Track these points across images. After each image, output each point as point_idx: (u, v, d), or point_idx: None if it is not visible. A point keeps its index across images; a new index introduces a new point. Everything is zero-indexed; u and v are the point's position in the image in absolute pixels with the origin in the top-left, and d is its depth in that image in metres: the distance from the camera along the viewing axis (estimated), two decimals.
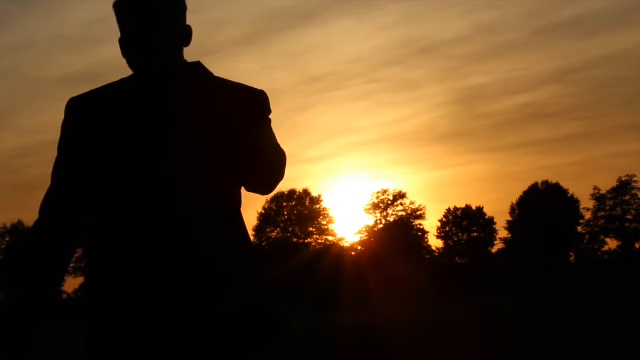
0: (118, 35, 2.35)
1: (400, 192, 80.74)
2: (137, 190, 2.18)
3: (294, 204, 79.34)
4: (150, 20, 2.27)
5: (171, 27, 2.30)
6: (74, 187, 2.22)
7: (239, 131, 2.25)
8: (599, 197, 77.14)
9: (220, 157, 2.22)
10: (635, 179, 76.19)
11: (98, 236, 2.20)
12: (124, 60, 2.32)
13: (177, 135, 2.20)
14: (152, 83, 2.26)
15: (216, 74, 2.35)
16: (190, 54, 2.39)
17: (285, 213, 79.05)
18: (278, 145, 2.37)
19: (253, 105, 2.35)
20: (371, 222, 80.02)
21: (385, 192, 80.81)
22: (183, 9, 2.34)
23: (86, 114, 2.26)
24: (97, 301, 2.16)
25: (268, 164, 2.29)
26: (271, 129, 2.40)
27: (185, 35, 2.35)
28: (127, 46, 2.31)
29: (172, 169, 2.18)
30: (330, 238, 79.04)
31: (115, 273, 2.15)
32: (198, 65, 2.32)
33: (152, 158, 2.19)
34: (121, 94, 2.26)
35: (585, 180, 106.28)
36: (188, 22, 2.34)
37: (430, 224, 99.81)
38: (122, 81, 2.31)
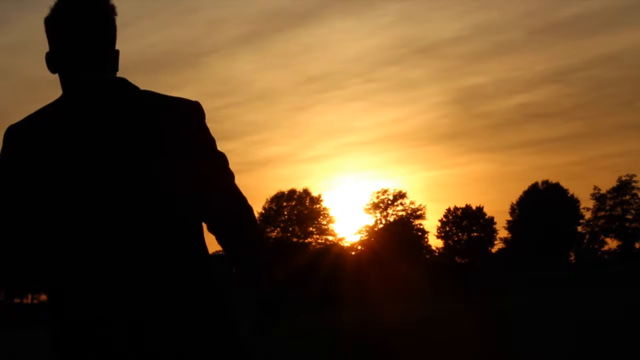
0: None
1: (400, 191, 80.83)
2: (81, 223, 2.08)
3: (294, 203, 79.36)
4: (87, 36, 2.20)
5: (105, 46, 2.23)
6: (14, 224, 2.12)
7: (187, 146, 2.17)
8: (599, 197, 77.18)
9: (168, 179, 2.13)
10: (635, 178, 76.29)
11: (46, 271, 2.12)
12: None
13: (121, 160, 2.11)
14: (87, 104, 2.17)
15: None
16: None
17: (285, 213, 79.06)
18: (236, 187, 2.26)
19: (194, 117, 2.24)
20: (371, 222, 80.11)
21: (385, 191, 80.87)
22: (115, 30, 2.26)
23: (23, 144, 2.15)
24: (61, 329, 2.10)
25: (223, 196, 2.21)
26: (222, 156, 2.28)
27: (116, 57, 2.27)
28: (59, 61, 2.24)
29: (118, 202, 2.09)
30: (330, 238, 79.10)
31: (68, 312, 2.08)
32: (127, 81, 2.24)
33: (95, 189, 2.09)
34: (58, 118, 2.17)
35: (585, 180, 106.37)
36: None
37: (430, 224, 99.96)
38: (57, 103, 2.21)
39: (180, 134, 2.18)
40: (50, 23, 2.25)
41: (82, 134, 2.13)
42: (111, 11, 2.24)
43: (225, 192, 2.22)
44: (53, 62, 2.27)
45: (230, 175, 2.26)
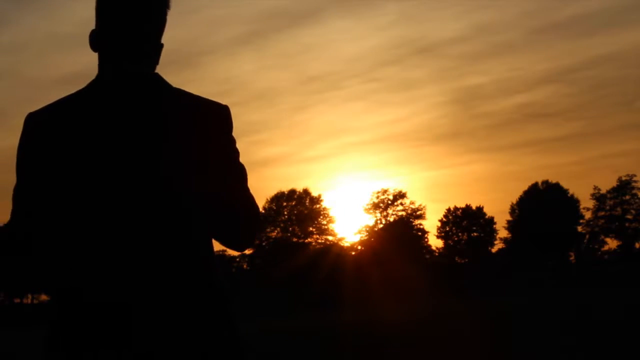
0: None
1: (400, 191, 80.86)
2: (103, 212, 2.07)
3: (294, 203, 79.38)
4: (138, 23, 2.18)
5: (153, 37, 2.21)
6: (37, 213, 2.11)
7: (207, 149, 2.14)
8: (599, 197, 77.21)
9: (180, 180, 2.11)
10: (635, 178, 76.31)
11: (64, 257, 2.11)
12: None
13: (147, 152, 2.10)
14: (123, 93, 2.15)
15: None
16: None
17: (285, 213, 79.08)
18: (249, 193, 2.21)
19: (220, 121, 2.21)
20: (371, 222, 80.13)
21: (385, 191, 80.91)
22: (165, 23, 2.25)
23: (48, 131, 2.12)
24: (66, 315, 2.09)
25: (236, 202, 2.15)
26: (242, 167, 2.24)
27: (159, 50, 2.25)
28: (103, 42, 2.19)
29: (139, 192, 2.08)
30: (330, 238, 79.12)
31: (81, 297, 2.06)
32: (160, 77, 2.22)
33: (120, 179, 2.08)
34: (82, 108, 2.14)
35: (585, 180, 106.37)
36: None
37: (430, 224, 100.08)
38: (86, 90, 2.18)
39: (202, 137, 2.15)
40: (104, 2, 2.21)
41: (106, 127, 2.11)
42: (165, 3, 2.23)
43: (234, 204, 2.16)
44: (97, 41, 2.22)
45: (243, 188, 2.20)
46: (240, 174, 2.21)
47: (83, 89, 2.19)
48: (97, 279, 2.07)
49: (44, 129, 2.13)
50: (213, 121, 2.19)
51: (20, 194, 2.15)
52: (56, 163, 2.10)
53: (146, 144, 2.11)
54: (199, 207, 2.15)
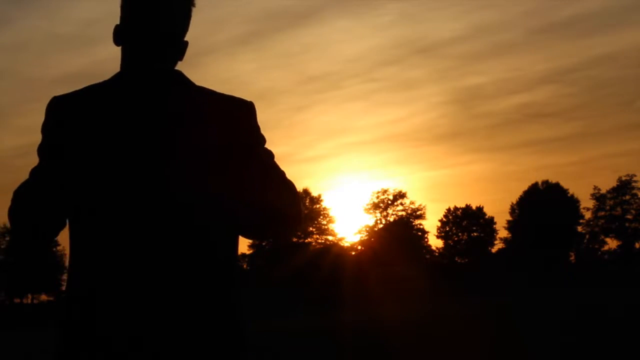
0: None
1: (400, 191, 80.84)
2: (125, 197, 2.07)
3: None
4: (163, 21, 2.16)
5: (177, 35, 2.20)
6: (55, 190, 2.10)
7: (231, 147, 2.13)
8: (599, 197, 77.19)
9: (200, 177, 2.09)
10: (635, 178, 76.30)
11: (82, 238, 2.12)
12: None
13: (169, 150, 2.09)
14: (144, 88, 2.15)
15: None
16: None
17: None
18: (276, 191, 2.18)
19: (244, 117, 2.20)
20: (371, 222, 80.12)
21: (385, 191, 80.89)
22: (189, 21, 2.24)
23: (73, 115, 2.13)
24: (81, 298, 2.08)
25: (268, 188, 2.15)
26: (270, 152, 2.24)
27: (184, 48, 2.24)
28: (127, 38, 2.18)
29: (159, 183, 2.07)
30: (330, 238, 79.11)
31: (101, 279, 2.06)
32: (183, 74, 2.22)
33: (142, 177, 2.07)
34: (111, 95, 2.15)
35: (585, 180, 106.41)
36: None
37: (430, 224, 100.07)
38: (110, 82, 2.18)
39: (227, 134, 2.14)
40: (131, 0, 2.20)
41: (130, 122, 2.11)
42: (191, 0, 2.22)
43: (255, 204, 2.15)
44: (121, 37, 2.21)
45: (269, 186, 2.18)
46: (265, 172, 2.18)
47: (107, 80, 2.19)
48: (112, 280, 2.06)
49: (71, 114, 2.14)
50: (237, 118, 2.18)
51: (43, 174, 2.13)
52: (81, 152, 2.10)
53: (169, 141, 2.10)
54: (219, 207, 2.12)
